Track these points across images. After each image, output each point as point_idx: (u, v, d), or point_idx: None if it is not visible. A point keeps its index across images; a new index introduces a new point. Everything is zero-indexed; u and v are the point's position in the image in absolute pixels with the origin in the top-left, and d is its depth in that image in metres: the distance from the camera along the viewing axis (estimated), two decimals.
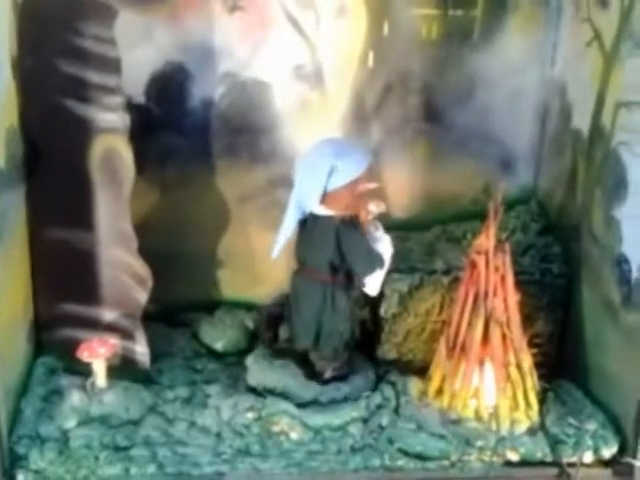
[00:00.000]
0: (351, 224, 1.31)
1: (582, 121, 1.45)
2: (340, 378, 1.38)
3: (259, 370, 1.39)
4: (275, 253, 1.32)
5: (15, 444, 1.23)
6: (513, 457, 1.29)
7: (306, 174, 1.29)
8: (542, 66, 1.59)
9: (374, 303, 1.48)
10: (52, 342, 1.42)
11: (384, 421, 1.33)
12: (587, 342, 1.42)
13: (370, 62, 1.57)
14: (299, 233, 1.34)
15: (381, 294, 1.45)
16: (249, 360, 1.41)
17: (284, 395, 1.34)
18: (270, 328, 1.42)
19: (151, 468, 1.23)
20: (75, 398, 1.30)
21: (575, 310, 1.46)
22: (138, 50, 1.46)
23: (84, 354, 1.31)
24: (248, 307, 1.60)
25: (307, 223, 1.32)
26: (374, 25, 1.55)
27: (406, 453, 1.28)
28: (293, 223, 1.32)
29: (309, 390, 1.36)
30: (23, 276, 1.38)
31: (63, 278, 1.37)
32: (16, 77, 1.29)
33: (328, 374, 1.38)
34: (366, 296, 1.43)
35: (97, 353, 1.31)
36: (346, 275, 1.33)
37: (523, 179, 1.66)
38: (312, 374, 1.38)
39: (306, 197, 1.29)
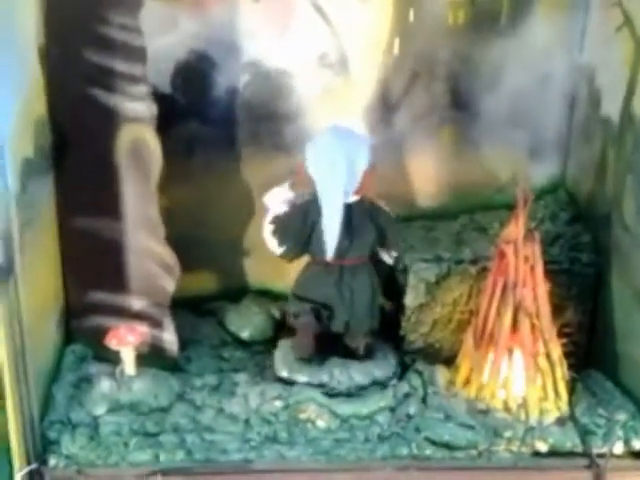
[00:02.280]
0: (376, 203, 1.35)
1: (612, 108, 1.43)
2: (371, 352, 1.41)
3: (287, 361, 1.39)
4: (331, 254, 1.32)
5: (47, 429, 1.25)
6: (542, 447, 1.28)
7: (339, 168, 1.28)
8: (570, 52, 1.57)
9: (399, 292, 1.47)
10: (82, 330, 1.43)
11: (412, 410, 1.33)
12: (617, 332, 1.41)
13: (395, 49, 1.56)
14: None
15: (407, 284, 1.45)
16: (277, 352, 1.42)
17: (311, 384, 1.34)
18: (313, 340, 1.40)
19: (180, 454, 1.24)
20: (105, 385, 1.32)
21: (605, 299, 1.45)
22: (163, 39, 1.46)
23: (113, 342, 1.32)
24: (274, 296, 1.60)
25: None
26: (399, 11, 1.53)
27: (434, 442, 1.28)
28: (339, 219, 1.31)
29: (338, 380, 1.36)
30: (53, 264, 1.39)
31: (92, 266, 1.38)
32: (43, 66, 1.29)
33: (363, 349, 1.40)
34: (391, 286, 1.45)
35: (126, 341, 1.32)
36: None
37: (551, 167, 1.64)
38: (349, 354, 1.39)
39: (349, 188, 1.30)
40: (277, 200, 1.36)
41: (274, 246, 1.36)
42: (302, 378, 1.36)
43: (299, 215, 1.33)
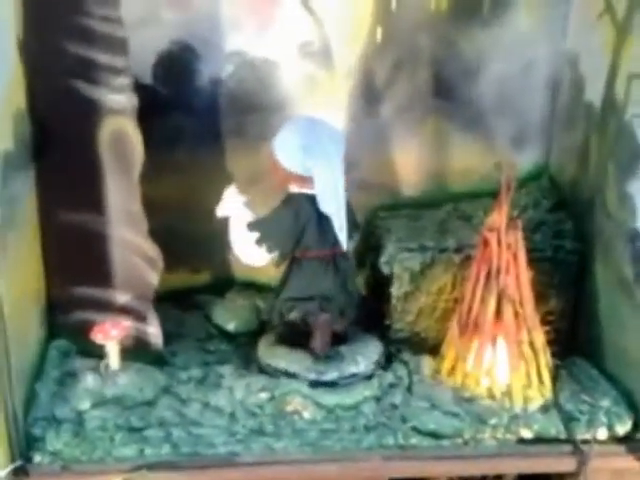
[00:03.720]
0: None
1: (594, 94, 1.43)
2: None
3: (272, 352, 1.39)
4: (346, 246, 1.32)
5: (31, 426, 1.24)
6: (526, 434, 1.29)
7: (336, 160, 1.29)
8: (553, 38, 1.57)
9: (383, 282, 1.47)
10: (65, 325, 1.42)
11: (397, 400, 1.33)
12: (600, 319, 1.42)
13: (378, 38, 1.55)
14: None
15: (391, 273, 1.45)
16: (261, 343, 1.41)
17: (296, 375, 1.34)
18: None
19: (166, 448, 1.24)
20: (89, 380, 1.31)
21: (588, 287, 1.45)
22: (144, 29, 1.45)
23: (97, 336, 1.32)
24: (259, 288, 1.60)
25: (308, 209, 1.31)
26: (382, 0, 1.52)
27: (419, 431, 1.28)
28: (345, 209, 1.31)
29: (320, 370, 1.36)
30: (35, 259, 1.38)
31: (75, 261, 1.37)
32: (23, 59, 1.28)
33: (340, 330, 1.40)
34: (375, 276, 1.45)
35: (110, 335, 1.32)
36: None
37: (534, 155, 1.64)
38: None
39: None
40: (234, 207, 1.33)
41: (257, 255, 1.32)
42: (288, 369, 1.35)
43: (290, 216, 1.31)
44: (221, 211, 1.34)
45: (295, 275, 1.35)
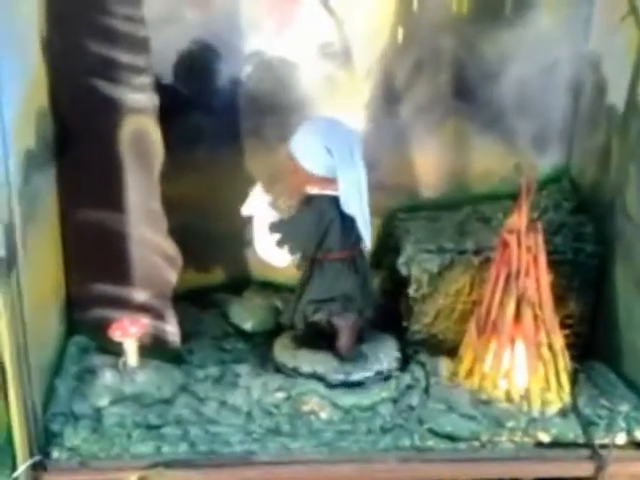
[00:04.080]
0: None
1: (617, 96, 1.42)
2: None
3: (293, 354, 1.39)
4: (369, 243, 1.32)
5: (50, 422, 1.25)
6: (544, 438, 1.28)
7: (358, 157, 1.28)
8: (575, 40, 1.55)
9: (401, 283, 1.47)
10: (84, 322, 1.43)
11: (414, 401, 1.33)
12: (620, 322, 1.40)
13: (399, 39, 1.55)
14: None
15: (410, 275, 1.44)
16: (279, 345, 1.42)
17: (323, 378, 1.34)
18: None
19: (183, 446, 1.24)
20: (108, 377, 1.32)
21: (608, 290, 1.44)
22: (166, 29, 1.45)
23: (116, 333, 1.32)
24: (276, 287, 1.60)
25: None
26: (403, 1, 1.52)
27: (436, 433, 1.28)
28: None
29: (347, 370, 1.36)
30: (55, 256, 1.39)
31: (94, 258, 1.38)
32: (45, 58, 1.29)
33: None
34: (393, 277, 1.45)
35: (129, 332, 1.32)
36: None
37: (555, 157, 1.63)
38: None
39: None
40: (259, 207, 1.33)
41: (279, 256, 1.32)
42: (304, 369, 1.35)
43: (313, 217, 1.30)
44: (246, 210, 1.34)
45: (317, 277, 1.35)
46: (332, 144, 1.27)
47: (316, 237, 1.31)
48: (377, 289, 1.51)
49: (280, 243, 1.32)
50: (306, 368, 1.35)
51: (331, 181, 1.28)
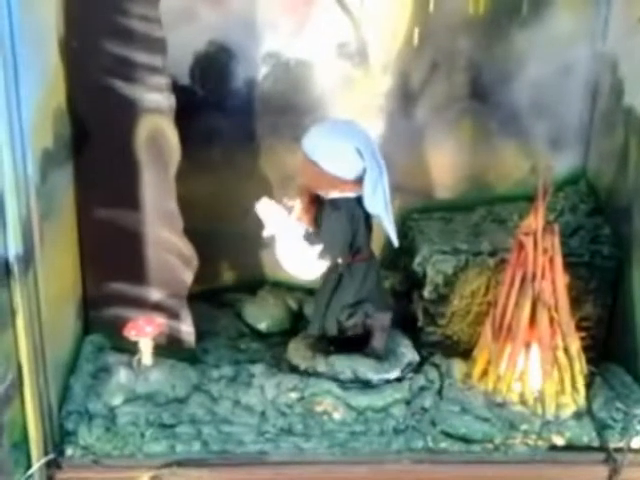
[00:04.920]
0: None
1: (635, 98, 1.41)
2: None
3: (325, 359, 1.38)
4: (396, 242, 1.32)
5: (64, 420, 1.26)
6: (559, 441, 1.28)
7: (379, 156, 1.28)
8: (593, 41, 1.55)
9: (416, 284, 1.47)
10: (100, 320, 1.44)
11: (427, 403, 1.32)
12: (637, 325, 1.39)
13: (415, 39, 1.54)
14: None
15: (424, 276, 1.44)
16: (292, 343, 1.42)
17: (327, 376, 1.34)
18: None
19: (196, 446, 1.25)
20: (122, 376, 1.33)
21: (625, 293, 1.43)
22: (183, 30, 1.46)
23: (131, 332, 1.33)
24: (291, 287, 1.60)
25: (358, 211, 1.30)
26: (419, 1, 1.52)
27: (449, 435, 1.28)
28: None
29: (386, 369, 1.36)
30: (72, 255, 1.40)
31: (110, 257, 1.39)
32: (63, 57, 1.30)
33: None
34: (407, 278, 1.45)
35: (144, 332, 1.33)
36: None
37: (572, 159, 1.62)
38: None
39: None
40: (280, 224, 1.29)
41: (312, 267, 1.29)
42: (318, 370, 1.35)
43: (348, 220, 1.29)
44: (269, 231, 1.31)
45: (347, 280, 1.34)
46: (361, 145, 1.26)
47: (349, 240, 1.30)
48: (388, 289, 1.50)
49: (322, 253, 1.29)
50: (348, 374, 1.34)
51: (354, 183, 1.27)
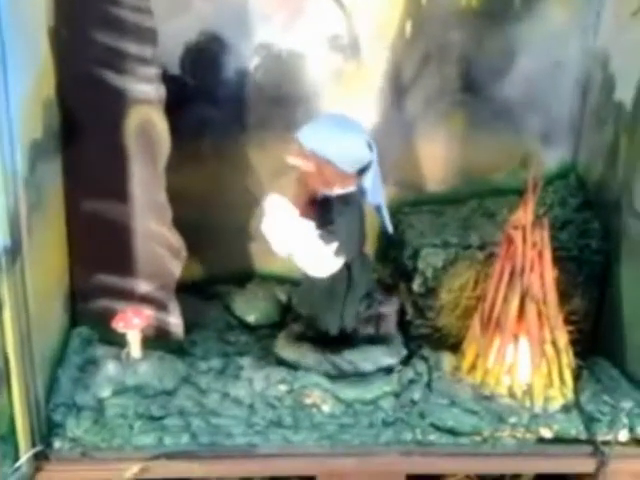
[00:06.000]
0: None
1: (625, 93, 1.41)
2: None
3: (292, 345, 1.38)
4: (391, 229, 1.33)
5: (52, 412, 1.26)
6: (546, 434, 1.28)
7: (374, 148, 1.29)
8: (584, 36, 1.55)
9: (406, 278, 1.47)
10: (88, 313, 1.43)
11: (416, 396, 1.32)
12: (624, 320, 1.40)
13: (408, 32, 1.54)
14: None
15: (414, 269, 1.44)
16: (281, 336, 1.41)
17: (316, 369, 1.34)
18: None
19: (185, 438, 1.25)
20: (110, 368, 1.32)
21: (613, 287, 1.44)
22: (173, 20, 1.45)
23: (119, 324, 1.32)
24: (280, 280, 1.60)
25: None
26: None
27: (438, 428, 1.28)
28: None
29: (400, 352, 1.37)
30: (60, 247, 1.39)
31: (99, 249, 1.39)
32: (53, 47, 1.29)
33: None
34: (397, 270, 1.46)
35: (132, 324, 1.33)
36: None
37: (562, 153, 1.62)
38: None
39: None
40: (289, 226, 1.24)
41: (329, 263, 1.26)
42: (307, 362, 1.35)
43: (358, 215, 1.29)
44: (280, 235, 1.25)
45: (358, 272, 1.33)
46: (368, 138, 1.26)
47: (363, 233, 1.32)
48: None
49: (339, 251, 1.26)
50: (370, 367, 1.34)
51: (355, 176, 1.27)
